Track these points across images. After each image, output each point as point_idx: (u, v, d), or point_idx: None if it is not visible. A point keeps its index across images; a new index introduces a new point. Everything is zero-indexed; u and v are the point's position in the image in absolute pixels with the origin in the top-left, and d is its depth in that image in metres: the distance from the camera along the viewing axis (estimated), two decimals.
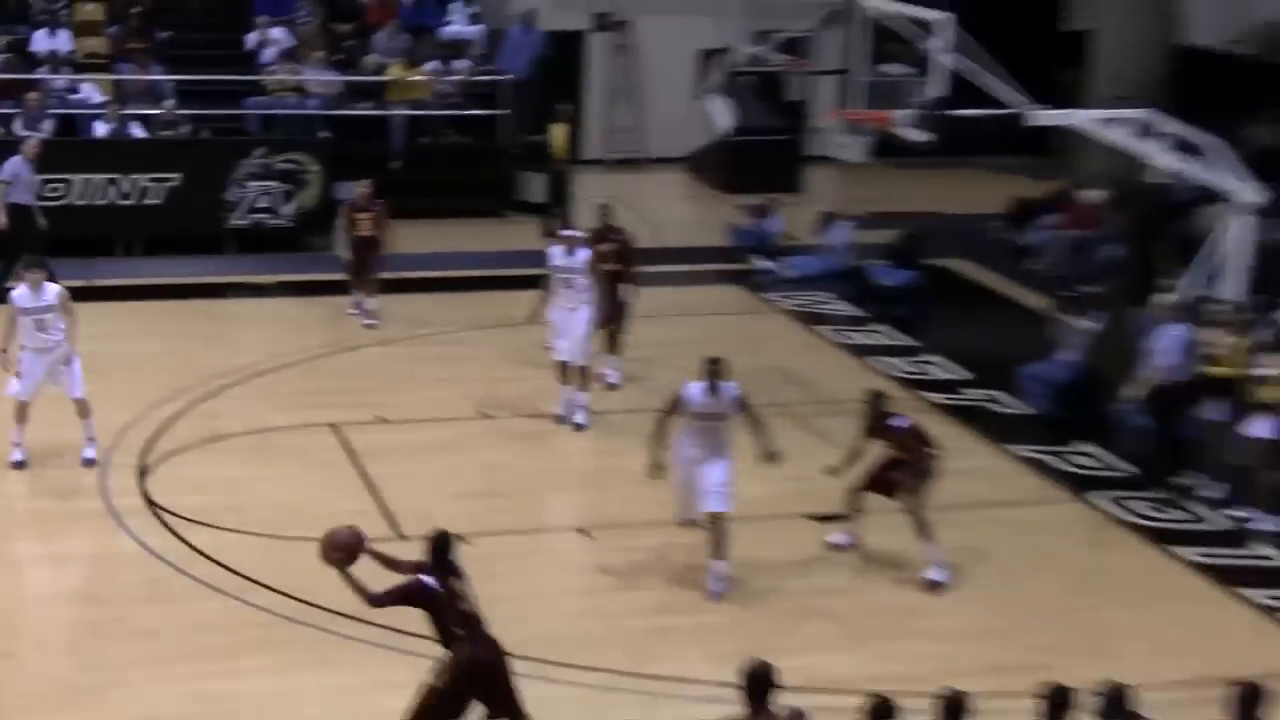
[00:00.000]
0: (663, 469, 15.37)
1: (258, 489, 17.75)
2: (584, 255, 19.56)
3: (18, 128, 26.32)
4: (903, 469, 16.01)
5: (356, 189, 23.60)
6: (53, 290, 17.69)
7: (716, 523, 15.32)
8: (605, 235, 20.83)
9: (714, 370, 15.34)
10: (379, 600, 11.77)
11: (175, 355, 21.46)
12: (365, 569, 11.83)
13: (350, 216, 23.32)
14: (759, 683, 10.47)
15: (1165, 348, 18.36)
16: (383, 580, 11.85)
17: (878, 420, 16.15)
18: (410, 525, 16.56)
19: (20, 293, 17.67)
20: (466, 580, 12.03)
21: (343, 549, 11.82)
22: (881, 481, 16.22)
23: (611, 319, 20.57)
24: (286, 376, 21.11)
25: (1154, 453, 18.75)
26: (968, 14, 22.60)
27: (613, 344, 20.89)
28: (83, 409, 17.96)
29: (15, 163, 23.89)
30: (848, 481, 16.34)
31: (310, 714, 13.21)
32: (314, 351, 21.97)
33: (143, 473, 18.00)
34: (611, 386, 20.79)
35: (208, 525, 16.66)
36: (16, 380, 17.77)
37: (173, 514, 16.95)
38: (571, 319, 19.48)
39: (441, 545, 12.06)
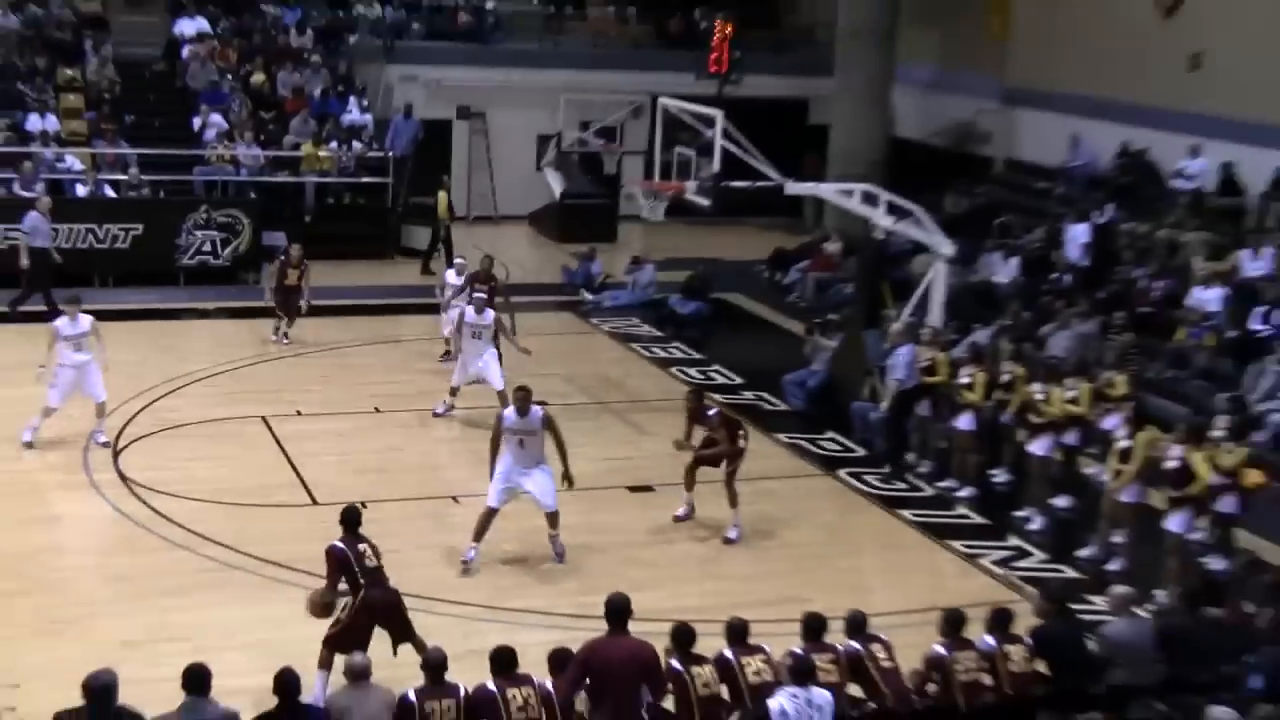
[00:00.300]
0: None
1: (205, 466, 17.49)
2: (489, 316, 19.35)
3: (16, 189, 25.81)
4: (715, 446, 16.02)
5: (290, 249, 23.23)
6: (86, 320, 17.64)
7: (551, 514, 15.10)
8: (484, 278, 20.60)
9: (523, 397, 14.79)
10: (330, 585, 11.97)
11: (141, 363, 21.01)
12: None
13: (283, 269, 22.95)
14: (617, 610, 10.30)
15: (897, 363, 18.46)
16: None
17: (697, 410, 16.21)
18: (322, 494, 16.57)
19: (62, 322, 17.58)
20: (369, 542, 12.02)
21: (320, 607, 12.10)
22: (706, 459, 16.16)
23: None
24: (225, 380, 20.84)
25: (887, 441, 18.90)
26: (737, 111, 22.78)
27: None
28: (100, 409, 17.85)
29: (34, 217, 23.43)
30: (683, 462, 16.39)
31: (246, 639, 12.98)
32: (246, 360, 21.68)
33: (116, 453, 17.71)
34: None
35: (166, 494, 16.45)
36: (53, 390, 17.52)
37: (139, 485, 16.69)
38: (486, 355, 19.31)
39: (351, 517, 12.12)
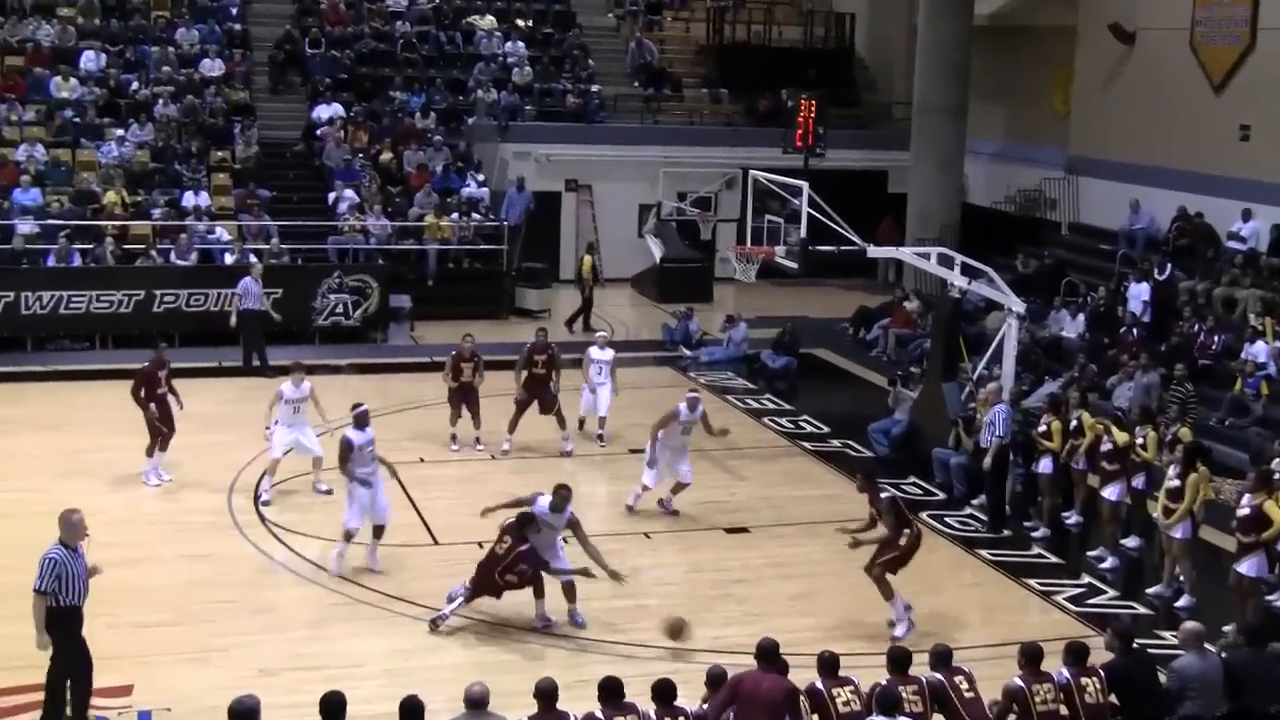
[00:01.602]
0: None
1: (336, 509, 17.27)
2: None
3: (173, 258, 26.22)
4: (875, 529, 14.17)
5: (464, 341, 20.34)
6: (307, 385, 17.91)
7: (569, 589, 14.01)
8: (542, 348, 20.37)
9: (562, 496, 14.02)
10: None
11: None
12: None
13: (456, 364, 20.12)
14: (766, 652, 10.40)
15: (996, 421, 17.84)
16: None
17: (869, 492, 14.44)
18: (442, 535, 16.33)
19: (286, 386, 17.85)
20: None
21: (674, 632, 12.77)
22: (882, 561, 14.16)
23: (550, 405, 20.15)
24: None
25: (989, 496, 18.06)
26: (822, 182, 22.68)
27: (561, 421, 20.31)
28: (318, 462, 17.95)
29: (246, 281, 24.18)
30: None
31: (374, 669, 12.87)
32: (375, 412, 21.45)
33: (257, 498, 17.69)
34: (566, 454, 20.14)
35: (302, 534, 16.43)
36: (276, 446, 17.78)
37: (279, 526, 16.71)
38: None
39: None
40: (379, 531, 15.46)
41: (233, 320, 23.97)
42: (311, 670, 12.61)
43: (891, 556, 13.98)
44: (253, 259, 25.74)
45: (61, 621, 11.13)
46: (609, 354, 20.59)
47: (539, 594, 13.86)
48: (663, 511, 17.63)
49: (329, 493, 17.59)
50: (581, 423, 20.81)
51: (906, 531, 14.05)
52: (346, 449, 15.39)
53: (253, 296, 24.06)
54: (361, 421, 15.72)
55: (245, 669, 12.73)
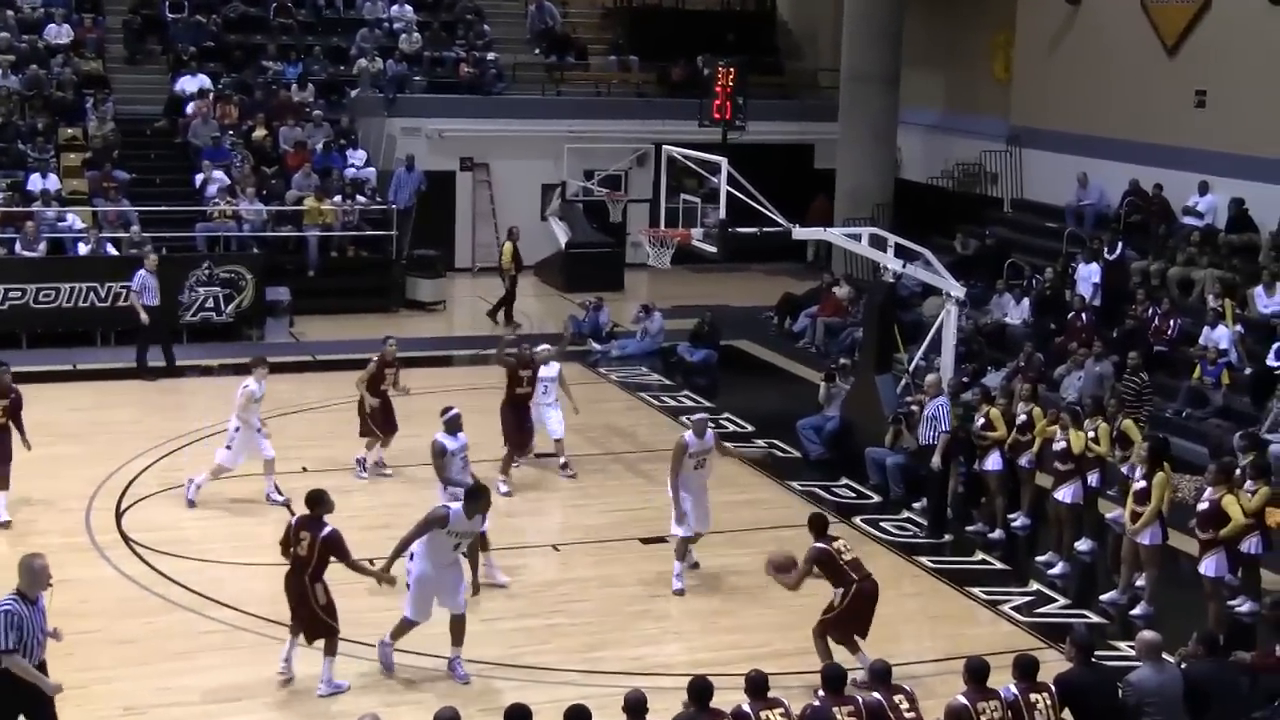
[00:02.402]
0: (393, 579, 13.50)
1: (208, 525, 17.30)
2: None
3: (19, 249, 25.82)
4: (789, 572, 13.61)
5: (388, 345, 19.73)
6: (265, 383, 18.16)
7: (457, 630, 13.55)
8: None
9: (475, 494, 13.65)
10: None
11: (143, 421, 21.00)
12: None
13: (379, 371, 19.44)
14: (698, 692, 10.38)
15: (938, 415, 17.97)
16: None
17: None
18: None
19: (253, 384, 18.00)
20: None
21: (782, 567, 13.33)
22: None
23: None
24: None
25: (931, 496, 18.24)
26: (742, 157, 22.75)
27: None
28: (270, 465, 18.14)
29: (142, 275, 23.97)
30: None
31: (256, 702, 12.73)
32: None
33: (119, 514, 17.50)
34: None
35: (170, 554, 16.25)
36: (229, 451, 17.85)
37: (142, 546, 16.50)
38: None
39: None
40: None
41: (144, 317, 23.78)
42: (183, 706, 12.44)
43: (828, 616, 13.43)
44: (148, 251, 25.35)
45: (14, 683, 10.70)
46: (554, 368, 19.69)
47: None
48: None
49: (287, 504, 17.42)
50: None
51: (840, 590, 13.36)
52: (440, 454, 15.77)
53: (151, 291, 23.92)
54: (453, 427, 15.87)
55: (109, 708, 12.55)
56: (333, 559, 13.04)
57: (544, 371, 19.55)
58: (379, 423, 19.37)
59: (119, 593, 15.35)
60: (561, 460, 19.71)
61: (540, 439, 19.72)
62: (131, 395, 22.85)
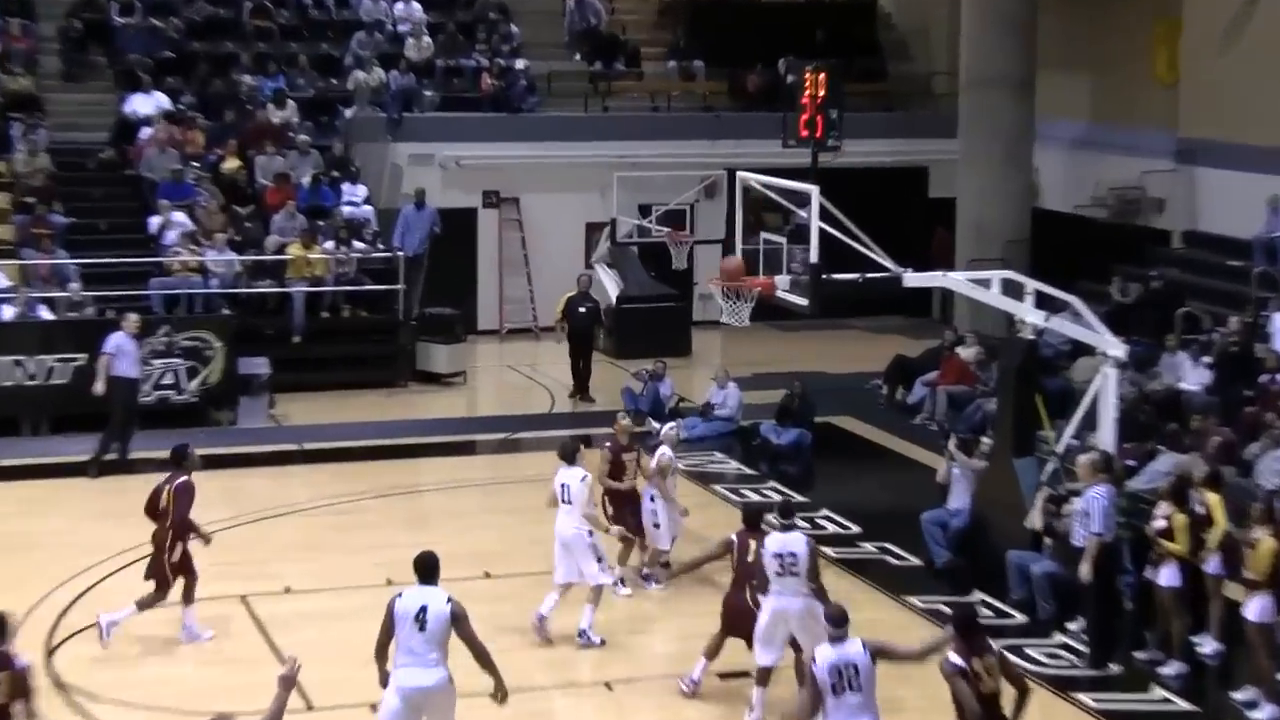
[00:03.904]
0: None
1: (166, 664, 17.06)
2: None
3: None
4: None
5: (618, 422, 20.18)
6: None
7: None
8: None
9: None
10: None
11: (80, 532, 20.84)
12: None
13: (617, 459, 19.64)
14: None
15: (1092, 510, 17.38)
16: None
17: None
18: (319, 695, 15.93)
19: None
20: None
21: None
22: None
23: None
24: (196, 551, 20.10)
25: (1091, 615, 17.79)
26: (839, 185, 22.49)
27: None
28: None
29: (118, 338, 24.01)
30: None
31: None
32: (219, 524, 21.02)
33: (50, 652, 17.20)
34: None
35: (117, 703, 16.01)
36: None
37: (81, 692, 16.23)
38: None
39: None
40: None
41: (98, 387, 23.71)
42: None
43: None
44: (129, 317, 25.00)
45: None
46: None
47: None
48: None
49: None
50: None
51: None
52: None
53: (128, 357, 23.96)
54: None
55: None
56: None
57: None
58: (630, 525, 19.50)
59: None
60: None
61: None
62: (66, 498, 22.72)
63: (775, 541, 15.70)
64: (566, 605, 17.63)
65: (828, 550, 20.51)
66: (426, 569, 13.63)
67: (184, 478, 17.38)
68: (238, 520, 21.41)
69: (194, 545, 17.40)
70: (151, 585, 17.24)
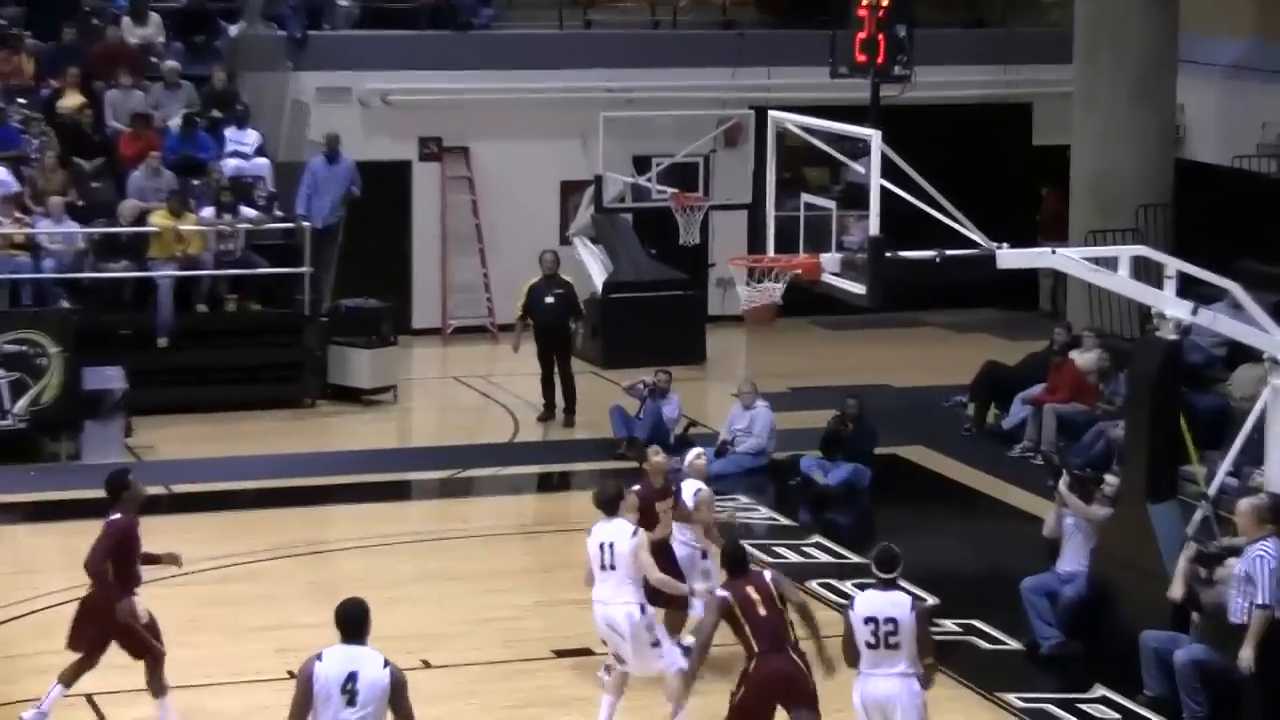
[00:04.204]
0: None
1: None
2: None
3: None
4: None
5: (649, 459, 20.30)
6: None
7: None
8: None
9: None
10: None
11: None
12: None
13: (647, 507, 19.31)
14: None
15: (1260, 574, 17.56)
16: None
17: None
18: None
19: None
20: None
21: None
22: None
23: None
24: (20, 634, 20.48)
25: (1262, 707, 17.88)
26: (908, 129, 22.55)
27: None
28: None
29: None
30: None
31: None
32: (57, 597, 21.21)
33: None
34: None
35: None
36: None
37: None
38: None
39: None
40: None
41: None
42: None
43: None
44: None
45: None
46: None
47: None
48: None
49: None
50: None
51: None
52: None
53: None
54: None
55: None
56: None
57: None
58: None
59: None
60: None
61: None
62: None
63: (868, 603, 15.70)
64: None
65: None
66: (352, 622, 13.71)
67: (117, 515, 17.59)
68: (81, 589, 21.55)
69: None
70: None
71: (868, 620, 15.44)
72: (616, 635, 17.78)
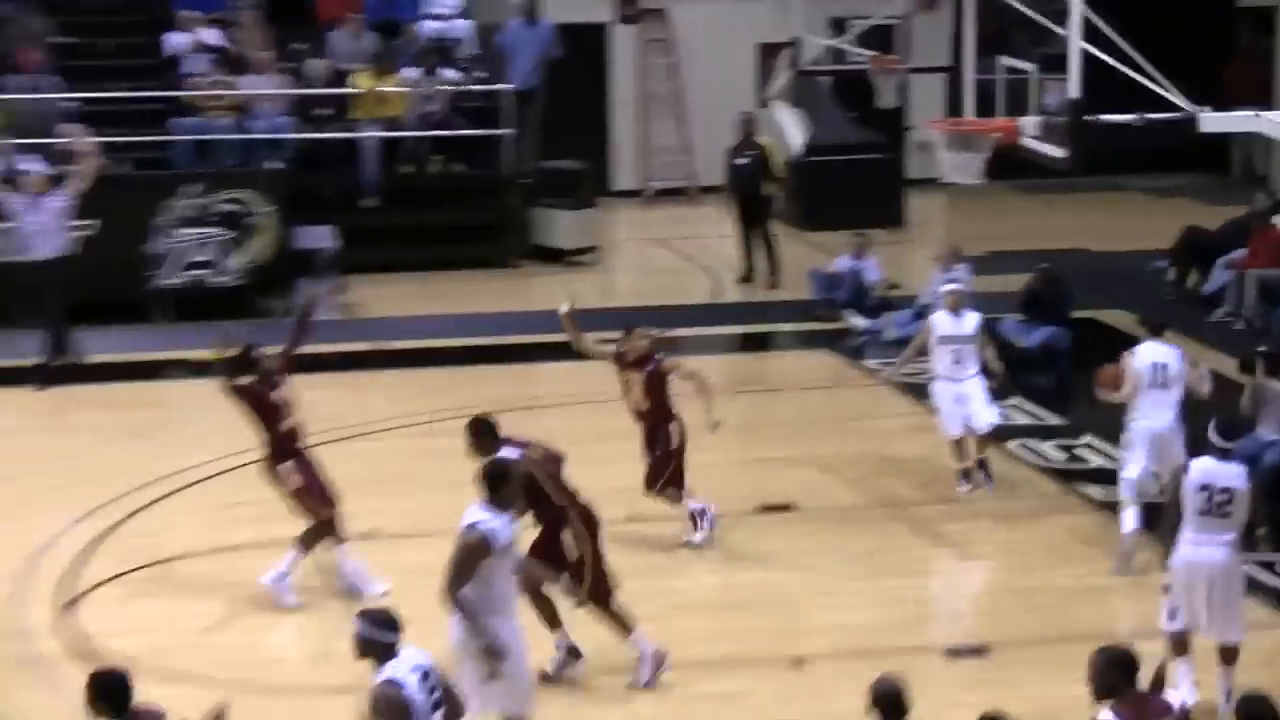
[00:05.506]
0: None
1: (213, 628, 17.73)
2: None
3: None
4: None
5: (626, 340, 19.96)
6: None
7: None
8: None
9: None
10: None
11: (97, 455, 21.46)
12: None
13: (621, 377, 19.99)
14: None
15: None
16: None
17: None
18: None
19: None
20: None
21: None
22: None
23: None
24: (243, 480, 20.57)
25: None
26: None
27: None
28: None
29: (14, 202, 24.71)
30: None
31: None
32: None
33: (66, 608, 18.03)
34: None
35: (146, 671, 16.54)
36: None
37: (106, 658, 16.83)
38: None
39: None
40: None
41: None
42: None
43: None
44: (29, 167, 26.14)
45: None
46: (970, 322, 21.11)
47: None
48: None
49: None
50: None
51: None
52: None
53: (45, 231, 24.50)
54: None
55: None
56: None
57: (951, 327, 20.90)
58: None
59: None
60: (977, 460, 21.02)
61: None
62: (74, 411, 23.77)
63: (1204, 471, 15.47)
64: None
65: (1096, 492, 20.98)
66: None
67: (247, 382, 18.06)
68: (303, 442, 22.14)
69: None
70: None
71: (1202, 488, 15.35)
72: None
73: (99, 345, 25.06)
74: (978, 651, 17.17)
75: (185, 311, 26.79)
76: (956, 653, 17.28)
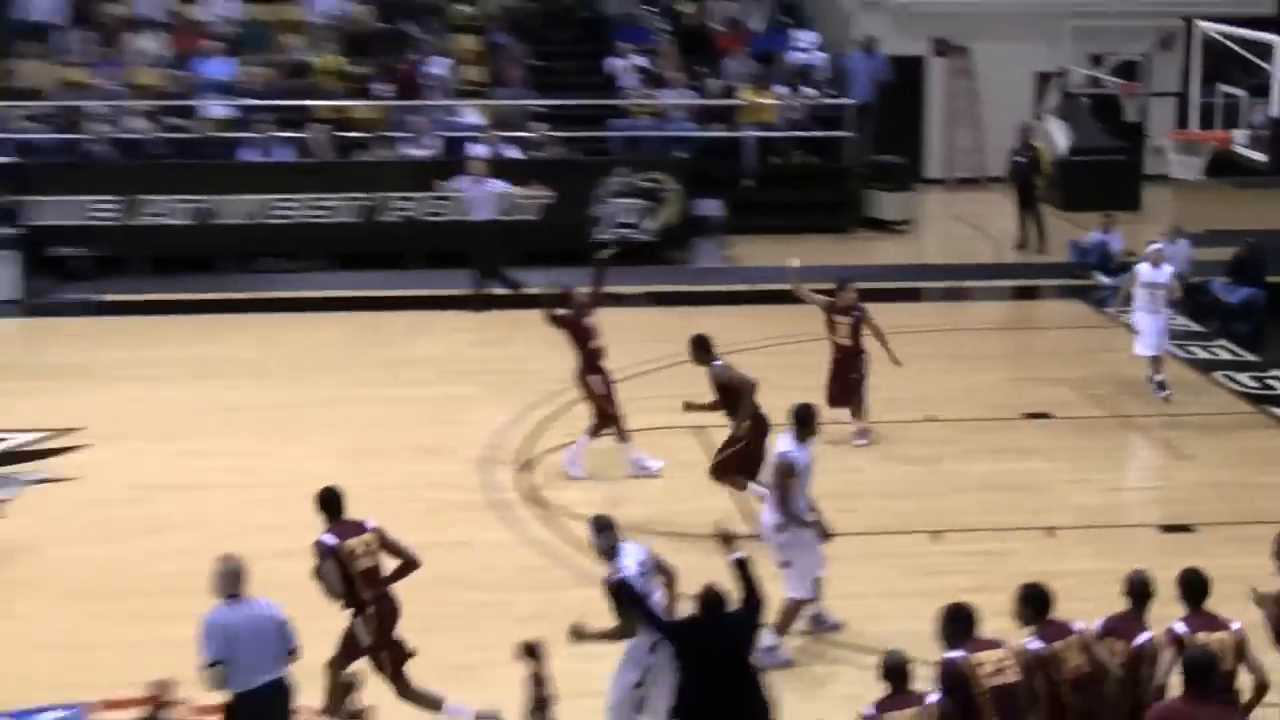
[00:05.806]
0: None
1: (625, 488, 17.98)
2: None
3: (407, 149, 27.56)
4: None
5: (839, 291, 19.71)
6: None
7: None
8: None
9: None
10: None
11: (543, 359, 21.32)
12: None
13: (829, 319, 19.72)
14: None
15: None
16: None
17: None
18: None
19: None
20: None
21: None
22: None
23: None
24: (650, 381, 21.08)
25: None
26: None
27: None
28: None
29: (463, 182, 25.24)
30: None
31: None
32: (675, 359, 21.71)
33: (521, 469, 18.42)
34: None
35: (580, 519, 16.78)
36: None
37: (552, 507, 17.32)
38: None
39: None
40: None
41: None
42: (596, 697, 12.95)
43: None
44: (476, 150, 26.54)
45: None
46: (1165, 273, 21.01)
47: None
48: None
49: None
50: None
51: None
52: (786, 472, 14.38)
53: (481, 202, 24.89)
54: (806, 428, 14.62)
55: (508, 690, 13.09)
56: None
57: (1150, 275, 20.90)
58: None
59: (521, 562, 16.11)
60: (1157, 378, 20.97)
61: None
62: (528, 327, 23.56)
63: None
64: None
65: (1277, 411, 20.67)
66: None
67: (563, 313, 18.06)
68: (684, 358, 22.17)
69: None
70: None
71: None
72: None
73: (539, 280, 24.96)
74: (1184, 529, 16.94)
75: (615, 259, 26.60)
76: (1168, 529, 17.11)
